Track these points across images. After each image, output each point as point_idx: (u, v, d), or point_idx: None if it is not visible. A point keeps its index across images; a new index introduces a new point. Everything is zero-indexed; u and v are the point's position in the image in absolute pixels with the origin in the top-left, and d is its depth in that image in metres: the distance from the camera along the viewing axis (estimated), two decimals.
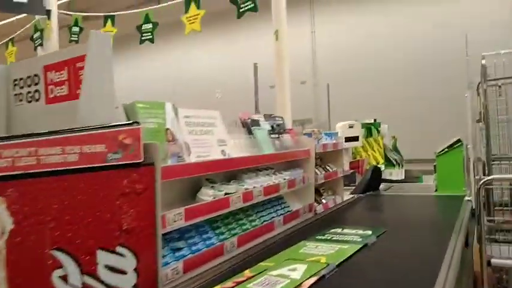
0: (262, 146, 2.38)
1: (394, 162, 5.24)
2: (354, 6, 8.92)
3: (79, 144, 1.26)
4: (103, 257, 1.35)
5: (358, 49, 8.80)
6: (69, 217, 1.24)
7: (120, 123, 1.40)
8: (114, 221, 1.39)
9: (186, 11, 3.38)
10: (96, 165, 1.31)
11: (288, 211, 2.60)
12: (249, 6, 3.58)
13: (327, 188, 3.35)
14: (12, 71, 1.69)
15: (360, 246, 2.08)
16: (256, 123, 2.48)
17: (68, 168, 1.22)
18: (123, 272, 1.43)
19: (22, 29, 5.46)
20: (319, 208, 2.96)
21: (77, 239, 1.27)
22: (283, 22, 3.10)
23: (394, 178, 5.16)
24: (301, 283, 1.64)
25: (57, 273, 1.21)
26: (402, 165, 5.23)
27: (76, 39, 4.92)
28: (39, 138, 1.15)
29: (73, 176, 1.25)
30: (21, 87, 1.65)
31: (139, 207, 1.49)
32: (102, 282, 1.35)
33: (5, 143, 1.07)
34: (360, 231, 2.40)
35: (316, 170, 3.04)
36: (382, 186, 4.29)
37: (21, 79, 1.65)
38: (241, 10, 3.49)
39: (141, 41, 3.98)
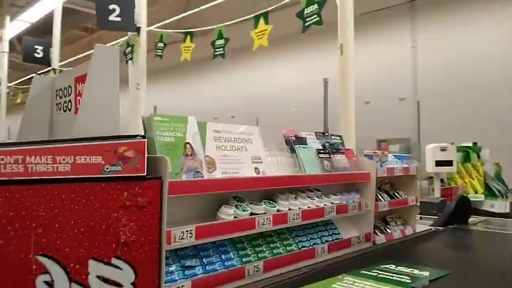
0: (305, 165, 2.22)
1: (497, 193, 4.53)
2: (459, 24, 8.10)
3: (72, 155, 1.29)
4: (95, 268, 1.36)
5: (462, 67, 7.95)
6: (58, 225, 1.27)
7: (120, 135, 1.41)
8: (110, 232, 1.40)
9: (255, 26, 3.41)
10: (89, 176, 1.33)
11: (337, 239, 2.37)
12: (314, 20, 3.48)
13: (396, 217, 3.01)
14: (56, 81, 1.84)
15: None
16: (301, 141, 2.33)
17: (57, 177, 1.26)
18: (118, 285, 1.42)
19: (115, 43, 6.15)
20: (380, 239, 2.65)
21: (66, 247, 1.29)
22: (349, 36, 2.90)
23: (496, 211, 4.45)
24: None
25: (43, 278, 1.24)
26: (506, 197, 4.49)
27: (161, 53, 5.32)
28: (27, 147, 1.21)
29: (64, 185, 1.28)
30: (60, 97, 1.79)
31: (142, 221, 1.48)
32: None
33: None
34: (416, 271, 2.07)
35: (380, 196, 2.75)
36: (474, 219, 3.70)
37: (60, 89, 1.79)
38: (306, 24, 3.42)
39: (214, 56, 4.12)
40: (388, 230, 2.78)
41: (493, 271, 2.22)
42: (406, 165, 2.92)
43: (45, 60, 7.33)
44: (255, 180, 1.92)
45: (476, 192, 4.57)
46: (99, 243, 1.37)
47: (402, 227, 2.90)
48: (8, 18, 8.97)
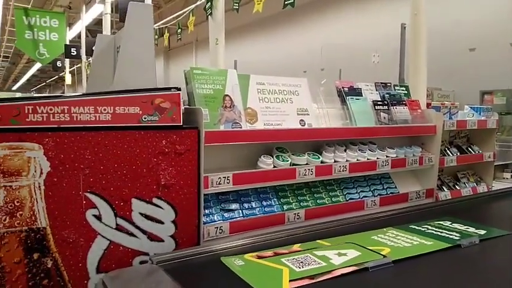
0: (356, 118, 2.16)
1: None
2: None
3: (111, 105, 1.45)
4: (138, 205, 1.55)
5: None
6: (103, 167, 1.46)
7: (157, 88, 1.53)
8: (151, 175, 1.57)
9: None
10: (128, 125, 1.48)
11: (392, 193, 2.31)
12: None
13: (470, 174, 2.79)
14: (116, 39, 2.01)
15: (448, 245, 1.70)
16: (355, 92, 2.25)
17: (99, 125, 1.43)
18: (159, 222, 1.61)
19: (200, 2, 6.31)
20: (445, 195, 2.51)
21: (111, 187, 1.49)
22: None
23: None
24: (333, 270, 1.49)
25: (92, 212, 1.46)
26: None
27: (237, 7, 5.34)
28: (72, 99, 1.39)
29: (106, 132, 1.45)
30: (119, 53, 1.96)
31: (180, 167, 1.63)
32: (136, 226, 1.55)
33: (41, 101, 1.34)
34: (471, 229, 1.94)
35: (448, 151, 2.57)
36: None
37: (118, 47, 1.96)
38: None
39: (284, 5, 4.02)
40: (456, 187, 2.60)
41: None
42: (482, 118, 2.65)
43: None
44: (296, 131, 1.94)
45: None
46: (141, 185, 1.55)
47: (475, 184, 2.68)
48: None
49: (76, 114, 1.39)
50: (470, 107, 2.67)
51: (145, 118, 1.52)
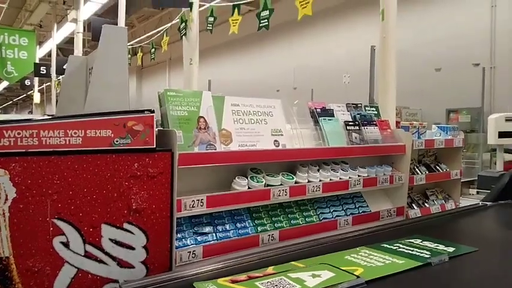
0: (328, 138, 2.20)
1: None
2: None
3: (82, 129, 1.42)
4: (108, 231, 1.51)
5: None
6: (71, 192, 1.42)
7: (130, 110, 1.52)
8: (122, 200, 1.53)
9: None
10: (99, 148, 1.46)
11: (364, 211, 2.34)
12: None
13: (438, 191, 2.87)
14: (89, 60, 1.99)
15: (419, 264, 1.73)
16: (327, 113, 2.29)
17: (69, 149, 1.40)
18: (130, 247, 1.57)
19: (174, 21, 6.35)
20: (415, 213, 2.56)
21: (80, 212, 1.44)
22: (391, 1, 2.73)
23: None
24: None
25: (59, 239, 1.41)
26: None
27: (211, 28, 5.40)
28: (41, 123, 1.35)
29: (76, 156, 1.42)
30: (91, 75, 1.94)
31: (152, 190, 1.60)
32: (106, 253, 1.51)
33: (8, 125, 1.31)
34: (441, 247, 1.99)
35: (418, 169, 2.64)
36: None
37: (91, 68, 1.94)
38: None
39: (259, 28, 4.09)
40: (426, 204, 2.67)
41: None
42: (449, 137, 2.75)
43: None
44: (271, 152, 1.95)
45: None
46: (111, 210, 1.51)
47: (443, 201, 2.76)
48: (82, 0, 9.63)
49: (45, 138, 1.36)
50: (438, 127, 2.76)
51: (117, 141, 1.50)
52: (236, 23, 4.71)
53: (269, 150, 1.95)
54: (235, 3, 4.71)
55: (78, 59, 2.10)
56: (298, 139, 2.13)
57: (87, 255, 1.46)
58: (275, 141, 2.05)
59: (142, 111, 1.54)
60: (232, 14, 4.77)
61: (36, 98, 14.99)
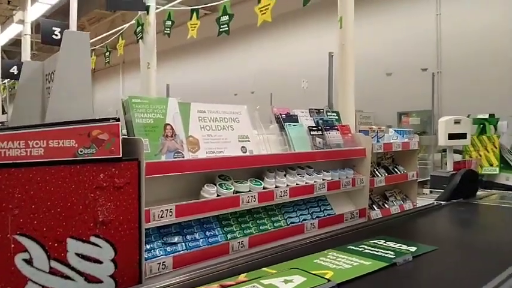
0: (294, 143, 2.23)
1: None
2: None
3: (44, 139, 1.35)
4: (74, 246, 1.44)
5: (489, 32, 7.56)
6: (34, 206, 1.35)
7: (94, 119, 1.46)
8: (87, 212, 1.47)
9: (259, 1, 3.36)
10: (62, 159, 1.39)
11: (328, 214, 2.39)
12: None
13: (396, 192, 2.99)
14: (46, 65, 1.89)
15: (385, 264, 1.80)
16: (292, 119, 2.32)
17: (30, 161, 1.32)
18: (98, 261, 1.50)
19: (128, 24, 6.22)
20: (376, 214, 2.66)
21: (44, 227, 1.37)
22: (348, 8, 2.82)
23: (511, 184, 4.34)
24: None
25: (21, 256, 1.33)
26: None
27: (169, 32, 5.33)
28: (0, 133, 1.28)
29: (38, 168, 1.35)
30: (49, 82, 1.85)
31: (119, 201, 1.55)
32: (72, 268, 1.44)
33: None
34: (404, 247, 2.07)
35: (377, 172, 2.73)
36: (484, 193, 3.61)
37: (49, 74, 1.85)
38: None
39: (219, 33, 4.10)
40: (386, 205, 2.77)
41: (484, 248, 2.18)
42: (406, 140, 2.88)
43: None
44: (239, 159, 1.95)
45: (491, 165, 4.45)
46: (76, 223, 1.44)
47: (401, 202, 2.88)
48: (29, 0, 9.16)
49: (4, 150, 1.28)
50: (395, 130, 2.88)
51: (81, 151, 1.44)
52: (194, 27, 4.68)
53: (237, 157, 1.95)
54: (194, 7, 4.67)
55: (33, 64, 2.00)
56: (264, 145, 2.14)
57: (53, 271, 1.38)
58: (242, 147, 2.05)
59: (107, 120, 1.49)
60: (191, 18, 4.73)
61: None
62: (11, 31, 10.73)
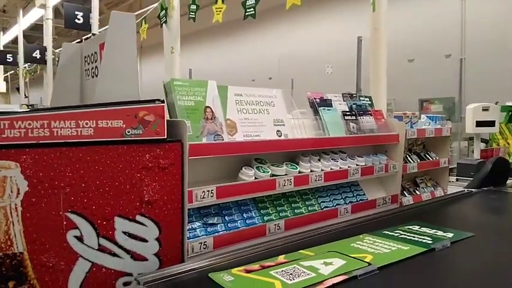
0: (328, 128, 2.21)
1: None
2: None
3: (94, 119, 1.37)
4: (121, 224, 1.47)
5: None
6: (84, 184, 1.37)
7: (141, 100, 1.47)
8: (134, 192, 1.49)
9: None
10: (111, 139, 1.41)
11: (361, 200, 2.38)
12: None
13: (427, 179, 2.96)
14: (84, 48, 1.91)
15: (424, 249, 1.79)
16: (326, 103, 2.31)
17: (81, 140, 1.35)
18: (143, 240, 1.53)
19: (152, 7, 6.20)
20: (408, 200, 2.64)
21: (93, 205, 1.40)
22: None
23: None
24: (324, 280, 1.51)
25: (72, 233, 1.36)
26: None
27: (193, 16, 5.30)
28: (51, 113, 1.29)
29: (88, 148, 1.37)
30: (88, 63, 1.87)
31: (164, 181, 1.57)
32: (119, 246, 1.47)
33: (19, 116, 1.24)
34: (440, 233, 2.05)
35: (409, 158, 2.70)
36: None
37: (88, 56, 1.86)
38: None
39: (245, 17, 4.05)
40: (417, 192, 2.75)
41: None
42: (438, 126, 2.83)
43: (86, 26, 7.48)
44: (276, 142, 1.95)
45: None
46: (124, 202, 1.47)
47: (432, 189, 2.85)
48: None
49: (56, 129, 1.30)
50: (427, 116, 2.84)
51: (128, 132, 1.45)
52: (220, 11, 4.65)
53: (274, 141, 1.95)
54: None
55: (71, 47, 2.01)
56: (299, 129, 2.13)
57: (101, 248, 1.42)
58: (277, 131, 2.05)
59: (153, 101, 1.50)
60: (216, 2, 4.69)
61: (2, 86, 14.29)
62: (32, 16, 10.84)
